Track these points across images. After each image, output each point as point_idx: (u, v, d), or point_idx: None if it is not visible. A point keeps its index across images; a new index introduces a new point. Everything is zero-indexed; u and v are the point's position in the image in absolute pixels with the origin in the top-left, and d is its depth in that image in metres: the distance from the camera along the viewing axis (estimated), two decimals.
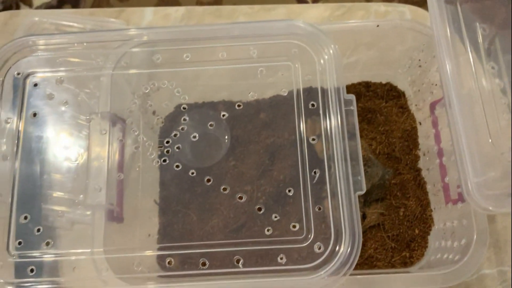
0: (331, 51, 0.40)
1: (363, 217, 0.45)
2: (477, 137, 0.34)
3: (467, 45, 0.36)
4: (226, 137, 0.48)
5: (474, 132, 0.34)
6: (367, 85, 0.51)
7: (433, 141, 0.46)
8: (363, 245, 0.45)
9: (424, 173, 0.48)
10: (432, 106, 0.47)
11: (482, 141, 0.34)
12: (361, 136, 0.49)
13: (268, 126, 0.50)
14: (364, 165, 0.46)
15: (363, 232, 0.45)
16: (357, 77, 0.53)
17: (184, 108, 0.46)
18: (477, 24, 0.37)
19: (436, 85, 0.46)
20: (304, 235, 0.37)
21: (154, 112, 0.47)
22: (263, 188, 0.46)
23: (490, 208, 0.32)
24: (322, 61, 0.40)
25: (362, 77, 0.52)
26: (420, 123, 0.50)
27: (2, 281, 0.36)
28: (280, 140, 0.49)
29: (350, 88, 0.51)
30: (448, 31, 0.36)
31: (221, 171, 0.47)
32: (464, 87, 0.35)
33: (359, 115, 0.50)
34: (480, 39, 0.37)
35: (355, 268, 0.35)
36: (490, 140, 0.34)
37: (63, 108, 0.41)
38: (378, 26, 0.43)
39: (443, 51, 0.36)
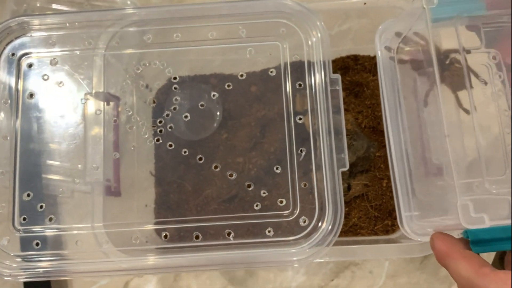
0: (318, 32, 0.41)
1: (348, 188, 0.48)
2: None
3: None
4: (218, 110, 0.49)
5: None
6: (355, 58, 0.52)
7: None
8: (348, 214, 0.48)
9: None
10: None
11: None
12: (347, 110, 0.51)
13: (259, 100, 0.51)
14: (350, 138, 0.48)
15: (348, 202, 0.48)
16: (348, 45, 0.54)
17: (175, 86, 0.47)
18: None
19: None
20: (290, 210, 0.40)
21: (147, 86, 0.49)
22: (255, 160, 0.48)
23: (418, 239, 0.36)
24: (309, 42, 0.41)
25: (353, 48, 0.53)
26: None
27: (12, 254, 0.38)
28: (270, 114, 0.50)
29: (339, 62, 0.52)
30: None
31: (214, 143, 0.49)
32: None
33: (346, 89, 0.52)
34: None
35: (340, 235, 0.37)
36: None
37: (58, 89, 0.42)
38: (365, 4, 0.44)
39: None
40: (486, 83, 0.38)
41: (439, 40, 0.37)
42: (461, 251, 0.30)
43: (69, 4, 0.59)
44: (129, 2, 0.58)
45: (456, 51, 0.37)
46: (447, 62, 0.38)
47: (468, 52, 0.38)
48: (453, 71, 0.37)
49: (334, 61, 0.52)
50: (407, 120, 0.39)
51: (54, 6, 0.59)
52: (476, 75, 0.38)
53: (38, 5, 0.59)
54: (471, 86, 0.36)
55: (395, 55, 0.40)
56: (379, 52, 0.39)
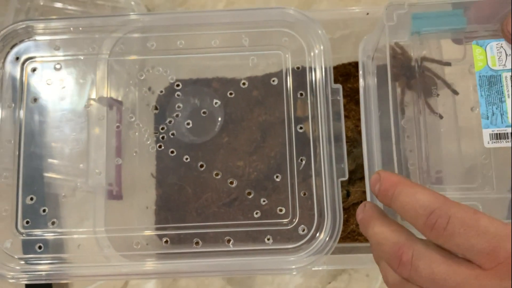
0: (321, 42, 0.41)
1: (347, 195, 0.48)
2: None
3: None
4: (220, 114, 0.50)
5: None
6: (356, 65, 0.53)
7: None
8: (347, 220, 0.49)
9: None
10: None
11: None
12: (348, 117, 0.51)
13: (261, 104, 0.51)
14: (350, 145, 0.49)
15: (347, 209, 0.49)
16: (350, 50, 0.54)
17: (178, 93, 0.47)
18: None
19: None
20: (289, 218, 0.40)
21: (150, 90, 0.49)
22: (255, 164, 0.49)
23: None
24: (311, 52, 0.41)
25: (354, 55, 0.53)
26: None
27: (15, 256, 0.39)
28: (271, 118, 0.51)
29: (340, 68, 0.52)
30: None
31: (215, 147, 0.50)
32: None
33: (347, 95, 0.52)
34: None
35: (339, 242, 0.38)
36: None
37: (62, 93, 0.43)
38: (368, 14, 0.44)
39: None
40: (457, 93, 0.39)
41: (420, 49, 0.39)
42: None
43: (72, 2, 0.59)
44: (132, 3, 0.58)
45: (431, 60, 0.39)
46: (419, 70, 0.39)
47: (448, 64, 0.39)
48: (423, 78, 0.39)
49: (335, 68, 0.52)
50: (380, 128, 0.40)
51: (58, 5, 0.59)
52: (447, 85, 0.39)
53: (41, 3, 0.59)
54: (437, 94, 0.38)
55: (372, 64, 0.41)
56: (361, 63, 0.41)
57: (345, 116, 0.50)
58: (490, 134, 0.36)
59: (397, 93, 0.40)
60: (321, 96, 0.40)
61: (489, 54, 0.37)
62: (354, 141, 0.48)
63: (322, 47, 0.40)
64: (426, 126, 0.40)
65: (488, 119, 0.36)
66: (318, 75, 0.40)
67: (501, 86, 0.36)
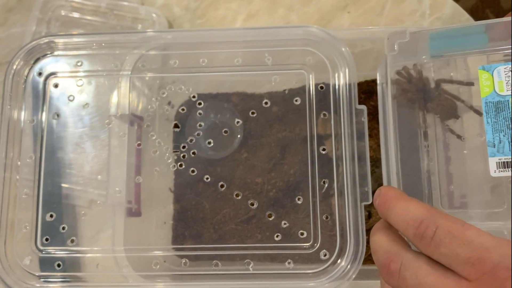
0: (345, 63, 0.40)
1: (369, 216, 0.47)
2: None
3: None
4: (239, 130, 0.49)
5: None
6: None
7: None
8: (368, 242, 0.48)
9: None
10: None
11: None
12: (370, 136, 0.50)
13: (280, 120, 0.51)
14: (373, 165, 0.48)
15: (368, 230, 0.48)
16: (371, 64, 0.53)
17: (200, 112, 0.47)
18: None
19: None
20: (311, 243, 0.40)
21: (171, 106, 0.49)
22: (274, 181, 0.48)
23: None
24: (335, 72, 0.40)
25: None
26: None
27: (36, 274, 0.39)
28: (291, 135, 0.50)
29: (363, 85, 0.52)
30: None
31: (233, 163, 0.49)
32: None
33: (370, 114, 0.51)
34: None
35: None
36: None
37: (83, 111, 0.43)
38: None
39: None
40: (480, 114, 0.38)
41: (440, 70, 0.38)
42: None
43: (93, 13, 0.59)
44: (154, 15, 0.58)
45: (451, 81, 0.38)
46: (435, 92, 0.38)
47: (471, 84, 0.38)
48: (442, 101, 0.38)
49: (358, 84, 0.52)
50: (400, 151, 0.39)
51: (78, 15, 0.59)
52: (468, 106, 0.38)
53: (62, 13, 0.59)
54: (458, 116, 0.37)
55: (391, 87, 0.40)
56: (379, 87, 0.40)
57: (368, 135, 0.49)
58: (497, 162, 0.34)
59: (418, 115, 0.40)
60: (345, 117, 0.39)
61: (496, 79, 0.35)
62: (377, 161, 0.47)
63: (346, 67, 0.40)
64: (449, 148, 0.39)
65: (494, 147, 0.34)
66: (342, 95, 0.40)
67: (509, 112, 0.34)
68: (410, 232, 0.27)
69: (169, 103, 0.48)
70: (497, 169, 0.34)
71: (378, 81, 0.40)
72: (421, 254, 0.27)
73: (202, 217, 0.49)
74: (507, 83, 0.35)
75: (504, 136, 0.34)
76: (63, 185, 0.42)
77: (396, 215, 0.29)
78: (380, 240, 0.30)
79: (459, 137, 0.38)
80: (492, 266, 0.24)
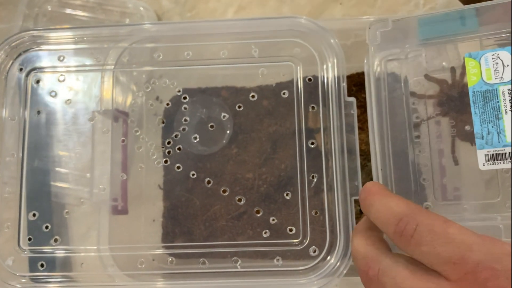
0: (334, 53, 0.39)
1: (361, 211, 0.46)
2: None
3: None
4: (229, 125, 0.48)
5: None
6: None
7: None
8: None
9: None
10: None
11: None
12: (362, 129, 0.49)
13: (271, 114, 0.50)
14: (364, 159, 0.47)
15: None
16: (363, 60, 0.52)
17: (185, 106, 0.46)
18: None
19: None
20: (300, 239, 0.39)
21: (158, 101, 0.48)
22: (265, 176, 0.47)
23: None
24: (324, 64, 0.39)
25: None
26: None
27: (18, 274, 0.38)
28: (282, 129, 0.49)
29: (354, 78, 0.50)
30: None
31: (223, 158, 0.48)
32: None
33: (361, 106, 0.50)
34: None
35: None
36: None
37: (66, 106, 0.42)
38: None
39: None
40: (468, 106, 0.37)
41: (428, 57, 0.37)
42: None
43: (81, 8, 0.58)
44: (141, 8, 0.57)
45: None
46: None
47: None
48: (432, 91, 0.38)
49: (349, 77, 0.50)
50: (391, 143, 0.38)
51: (66, 10, 0.58)
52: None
53: (49, 9, 0.58)
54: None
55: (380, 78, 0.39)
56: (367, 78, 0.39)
57: (359, 128, 0.48)
58: (485, 155, 0.32)
59: (409, 107, 0.39)
60: (334, 110, 0.38)
61: (484, 66, 0.33)
62: (369, 155, 0.46)
63: (335, 59, 0.39)
64: (441, 140, 0.38)
65: (483, 138, 0.32)
66: (331, 88, 0.39)
67: (498, 102, 0.32)
68: (390, 229, 0.26)
69: (157, 98, 0.47)
70: (486, 162, 0.32)
71: (365, 73, 0.39)
72: (400, 257, 0.26)
73: (192, 214, 0.48)
74: (495, 70, 0.33)
75: (492, 127, 0.32)
76: (46, 183, 0.41)
77: (377, 211, 0.28)
78: (358, 245, 0.29)
79: (451, 128, 0.36)
80: (474, 265, 0.23)
